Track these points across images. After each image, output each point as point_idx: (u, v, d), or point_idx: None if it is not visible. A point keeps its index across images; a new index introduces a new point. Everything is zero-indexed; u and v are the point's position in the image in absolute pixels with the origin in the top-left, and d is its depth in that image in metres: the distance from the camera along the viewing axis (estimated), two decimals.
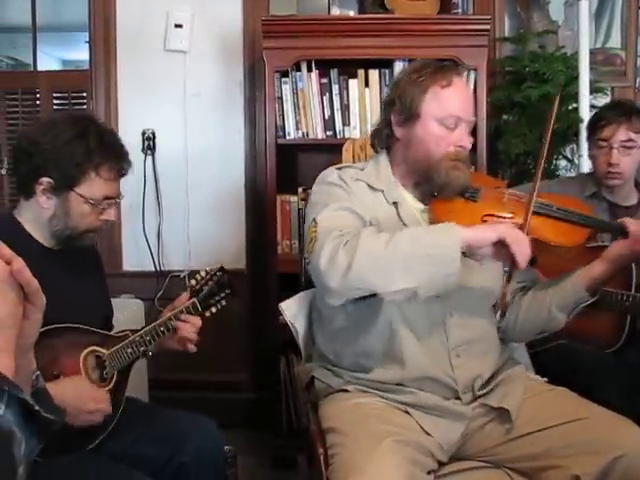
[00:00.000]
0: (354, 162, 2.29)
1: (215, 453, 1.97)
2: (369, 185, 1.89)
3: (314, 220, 1.78)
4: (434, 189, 1.86)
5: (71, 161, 1.81)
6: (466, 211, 1.85)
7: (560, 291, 1.91)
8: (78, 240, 1.91)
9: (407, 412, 1.79)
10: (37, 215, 1.87)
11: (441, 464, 1.77)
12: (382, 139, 1.95)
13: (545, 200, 1.87)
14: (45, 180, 1.82)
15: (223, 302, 2.08)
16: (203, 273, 2.06)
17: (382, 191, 1.89)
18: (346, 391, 1.85)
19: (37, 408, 0.89)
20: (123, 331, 1.98)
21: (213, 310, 2.06)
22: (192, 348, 2.03)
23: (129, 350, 1.93)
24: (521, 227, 1.72)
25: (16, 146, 1.91)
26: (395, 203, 1.87)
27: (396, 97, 1.88)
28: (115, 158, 1.89)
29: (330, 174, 1.91)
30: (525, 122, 3.11)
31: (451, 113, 1.82)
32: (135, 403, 2.07)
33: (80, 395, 1.77)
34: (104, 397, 1.84)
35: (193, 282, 2.05)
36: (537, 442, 1.75)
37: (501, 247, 1.63)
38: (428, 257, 1.60)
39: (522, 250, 1.63)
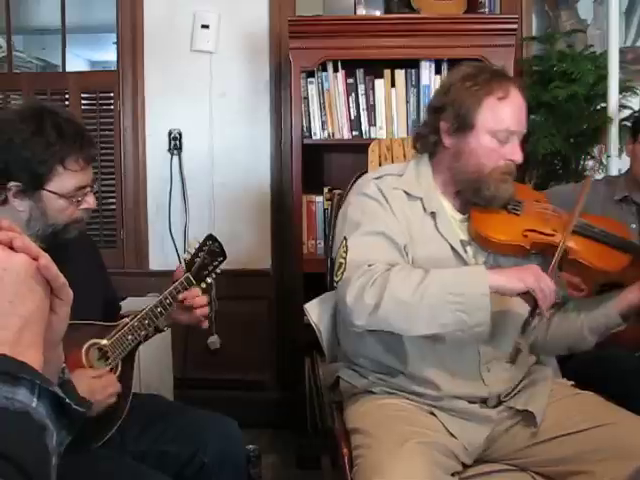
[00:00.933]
0: (380, 163, 2.27)
1: (236, 454, 1.97)
2: (407, 193, 1.84)
3: (345, 240, 1.78)
4: (480, 201, 1.83)
5: (34, 160, 1.73)
6: (508, 224, 1.83)
7: (593, 314, 1.87)
8: (62, 234, 1.83)
9: (432, 413, 1.78)
10: (15, 219, 1.76)
11: (465, 466, 1.76)
12: (427, 144, 1.89)
13: (588, 220, 1.84)
14: (13, 184, 1.74)
15: (218, 270, 2.03)
16: (195, 243, 2.02)
17: (420, 199, 1.84)
18: (371, 392, 1.85)
19: (67, 401, 0.91)
20: (121, 317, 1.95)
21: (208, 280, 2.01)
22: (205, 324, 2.01)
23: (130, 337, 1.90)
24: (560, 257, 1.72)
25: None
26: (433, 213, 1.83)
27: (448, 104, 1.81)
28: (79, 147, 1.79)
29: (367, 184, 1.86)
30: (552, 122, 3.08)
31: (506, 127, 1.77)
32: (158, 401, 2.08)
33: (86, 393, 1.73)
34: (110, 380, 1.83)
35: (186, 255, 2.01)
36: (564, 446, 1.73)
37: (527, 294, 1.65)
38: (456, 304, 1.60)
39: (547, 302, 1.65)
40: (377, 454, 1.63)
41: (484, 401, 1.81)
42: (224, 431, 1.96)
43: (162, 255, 3.51)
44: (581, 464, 1.68)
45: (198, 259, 1.99)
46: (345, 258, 1.74)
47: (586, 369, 2.12)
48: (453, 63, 2.98)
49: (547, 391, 1.84)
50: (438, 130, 1.83)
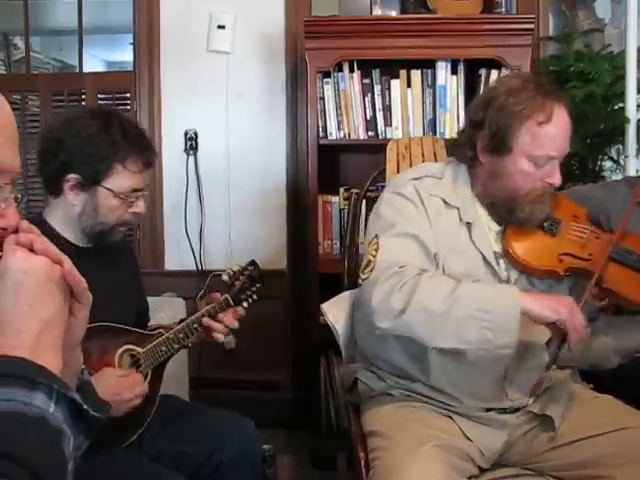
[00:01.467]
0: (398, 162, 2.25)
1: (253, 453, 1.97)
2: (444, 201, 1.78)
3: (376, 238, 1.73)
4: (514, 221, 1.77)
5: (96, 155, 1.80)
6: (542, 246, 1.76)
7: (623, 338, 1.85)
8: (109, 235, 1.89)
9: (450, 417, 1.78)
10: (67, 213, 1.86)
11: (482, 470, 1.75)
12: (464, 157, 1.81)
13: (628, 245, 1.78)
14: (72, 177, 1.81)
15: (254, 296, 2.06)
16: (235, 268, 2.05)
17: (457, 208, 1.78)
18: (389, 394, 1.84)
19: (85, 407, 0.91)
20: (157, 328, 1.97)
21: (245, 305, 2.04)
22: (220, 338, 2.00)
23: (163, 348, 1.92)
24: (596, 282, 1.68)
25: (41, 145, 1.89)
26: (468, 224, 1.77)
27: (487, 121, 1.72)
28: (140, 150, 1.86)
29: (405, 184, 1.79)
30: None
31: (546, 153, 1.68)
32: (174, 401, 2.08)
33: (113, 389, 1.76)
34: (136, 380, 1.84)
35: (225, 277, 2.04)
36: (583, 450, 1.71)
37: (556, 325, 1.60)
38: (483, 321, 1.56)
39: (576, 337, 1.59)
40: (394, 456, 1.62)
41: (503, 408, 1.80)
42: (241, 431, 1.97)
43: (178, 255, 3.52)
44: (601, 468, 1.67)
45: (238, 282, 2.03)
46: (375, 256, 1.69)
47: (605, 372, 2.10)
48: (469, 63, 2.99)
49: (566, 395, 1.82)
50: (475, 145, 1.76)
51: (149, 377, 1.91)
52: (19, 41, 4.03)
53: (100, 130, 1.81)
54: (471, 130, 1.78)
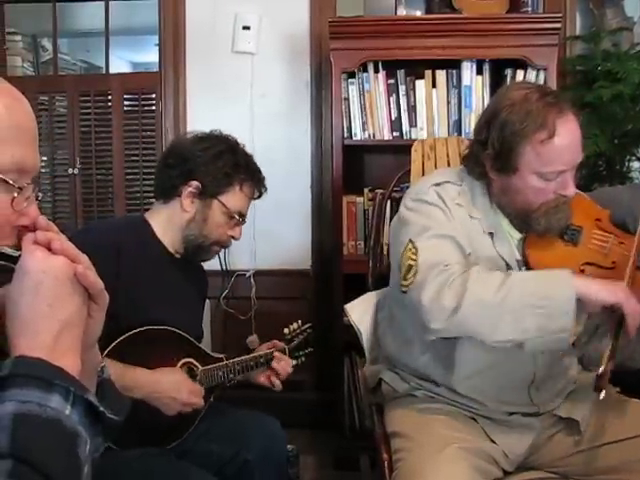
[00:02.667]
0: (423, 163, 2.24)
1: (279, 452, 2.00)
2: (469, 213, 1.75)
3: (412, 243, 1.67)
4: (532, 232, 1.73)
5: (221, 171, 1.95)
6: (563, 257, 1.71)
7: None
8: (204, 251, 2.01)
9: (474, 419, 1.77)
10: (174, 218, 1.97)
11: (507, 473, 1.74)
12: (474, 172, 1.77)
13: None
14: (195, 183, 1.93)
15: (303, 358, 2.23)
16: (296, 325, 2.22)
17: (479, 219, 1.75)
18: (413, 396, 1.84)
19: (102, 409, 0.91)
20: (219, 354, 2.05)
21: (294, 362, 2.17)
22: (278, 385, 2.13)
23: (220, 373, 2.00)
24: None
25: (170, 150, 2.07)
26: (491, 234, 1.74)
27: (490, 140, 1.67)
28: (257, 178, 2.05)
29: (427, 191, 1.75)
30: (596, 123, 3.02)
31: (553, 169, 1.63)
32: None
33: (177, 386, 1.83)
34: (199, 390, 1.90)
35: (286, 331, 2.19)
36: (609, 455, 1.69)
37: (612, 311, 1.53)
38: (539, 308, 1.49)
39: (635, 322, 1.51)
40: (417, 458, 1.62)
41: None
42: (267, 430, 2.00)
43: None
44: (626, 474, 1.65)
45: (297, 339, 2.21)
46: (416, 260, 1.63)
47: (632, 376, 2.08)
48: (495, 63, 2.97)
49: (592, 398, 1.80)
50: (483, 163, 1.72)
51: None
52: (47, 43, 4.07)
53: (227, 150, 2.00)
54: (477, 148, 1.74)
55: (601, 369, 1.52)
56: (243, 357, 2.07)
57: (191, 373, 1.94)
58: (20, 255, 0.92)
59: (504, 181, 1.70)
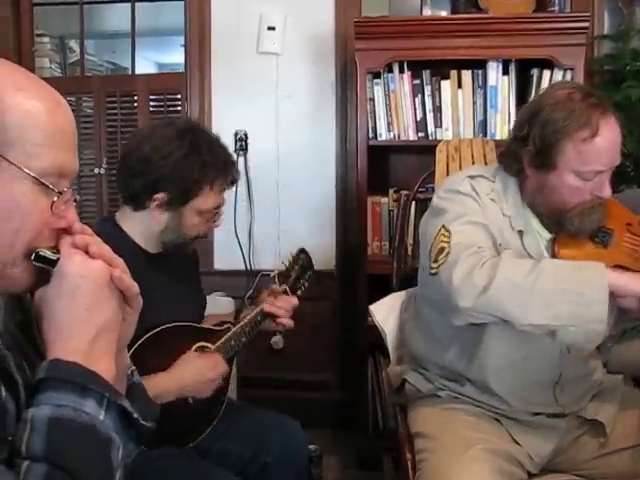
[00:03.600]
0: (448, 164, 2.23)
1: (298, 454, 1.99)
2: (501, 210, 1.75)
3: (444, 227, 1.67)
4: (564, 233, 1.72)
5: (188, 178, 1.80)
6: (593, 257, 1.67)
7: None
8: (184, 247, 1.94)
9: (498, 420, 1.76)
10: (147, 227, 1.87)
11: (531, 475, 1.73)
12: (511, 169, 1.77)
13: None
14: (160, 196, 1.82)
15: (307, 284, 2.16)
16: (290, 258, 2.16)
17: (509, 217, 1.74)
18: (437, 396, 1.83)
19: (135, 416, 0.91)
20: (223, 323, 2.02)
21: (299, 293, 2.13)
22: (287, 323, 2.06)
23: (232, 342, 1.98)
24: None
25: (126, 161, 1.87)
26: (520, 232, 1.73)
27: (531, 137, 1.67)
28: (228, 170, 1.90)
29: (461, 182, 1.76)
30: (624, 123, 2.97)
31: (592, 169, 1.63)
32: None
33: (197, 371, 1.83)
34: (217, 359, 1.90)
35: (282, 269, 2.14)
36: (634, 459, 1.68)
37: None
38: (572, 295, 1.48)
39: None
40: (441, 459, 1.62)
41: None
42: (287, 431, 1.98)
43: (227, 255, 3.54)
44: None
45: (293, 272, 2.14)
46: (448, 242, 1.62)
47: None
48: (521, 63, 2.95)
49: (617, 400, 1.79)
50: (521, 159, 1.72)
51: None
52: (74, 44, 4.11)
53: (191, 152, 1.81)
54: (516, 144, 1.73)
55: None
56: (248, 317, 2.01)
57: None
58: (58, 258, 0.93)
59: (541, 178, 1.69)
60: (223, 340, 1.96)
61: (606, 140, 1.62)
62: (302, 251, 2.18)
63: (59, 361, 0.88)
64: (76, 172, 1.01)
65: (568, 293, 1.48)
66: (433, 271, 1.64)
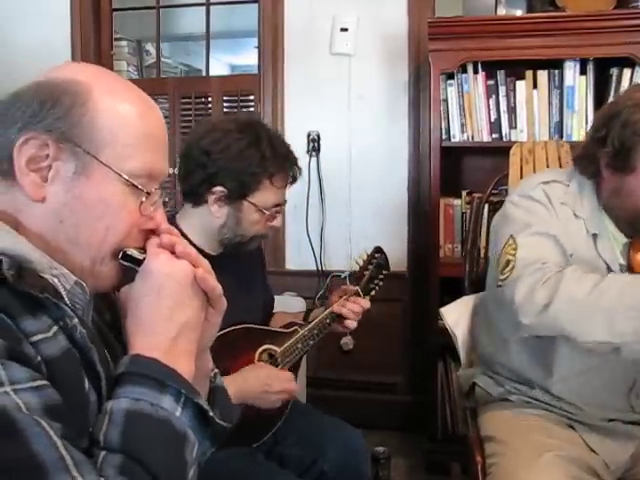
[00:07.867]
0: (522, 167, 2.20)
1: (357, 465, 1.96)
2: (573, 210, 1.73)
3: (512, 238, 1.67)
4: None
5: (246, 171, 1.78)
6: None
7: None
8: (244, 246, 1.89)
9: (571, 426, 1.72)
10: (206, 223, 1.84)
11: None
12: (587, 171, 1.74)
13: None
14: (218, 189, 1.79)
15: (381, 283, 2.11)
16: (364, 257, 2.10)
17: (584, 219, 1.72)
18: (507, 400, 1.81)
19: (212, 414, 0.93)
20: (291, 325, 2.00)
21: (372, 293, 2.09)
22: (353, 325, 2.03)
23: (299, 345, 1.96)
24: None
25: (186, 155, 1.85)
26: (594, 235, 1.71)
27: (609, 138, 1.63)
28: (288, 166, 1.86)
29: (534, 188, 1.75)
30: None
31: None
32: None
33: (264, 380, 1.81)
34: (288, 376, 1.87)
35: (355, 266, 2.10)
36: None
37: None
38: (636, 311, 1.45)
39: None
40: (512, 464, 1.60)
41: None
42: (346, 441, 1.96)
43: (298, 255, 3.57)
44: None
45: (367, 272, 2.08)
46: (514, 256, 1.63)
47: None
48: (600, 62, 2.88)
49: None
50: (597, 161, 1.69)
51: None
52: (150, 47, 4.21)
53: (250, 145, 1.79)
54: (593, 146, 1.70)
55: None
56: (317, 319, 1.98)
57: (271, 358, 1.92)
58: (145, 258, 0.95)
59: (618, 181, 1.65)
60: (289, 343, 1.95)
61: None
62: (378, 250, 2.14)
63: (139, 356, 0.90)
64: (165, 174, 1.03)
65: (633, 309, 1.46)
66: (500, 283, 1.65)
